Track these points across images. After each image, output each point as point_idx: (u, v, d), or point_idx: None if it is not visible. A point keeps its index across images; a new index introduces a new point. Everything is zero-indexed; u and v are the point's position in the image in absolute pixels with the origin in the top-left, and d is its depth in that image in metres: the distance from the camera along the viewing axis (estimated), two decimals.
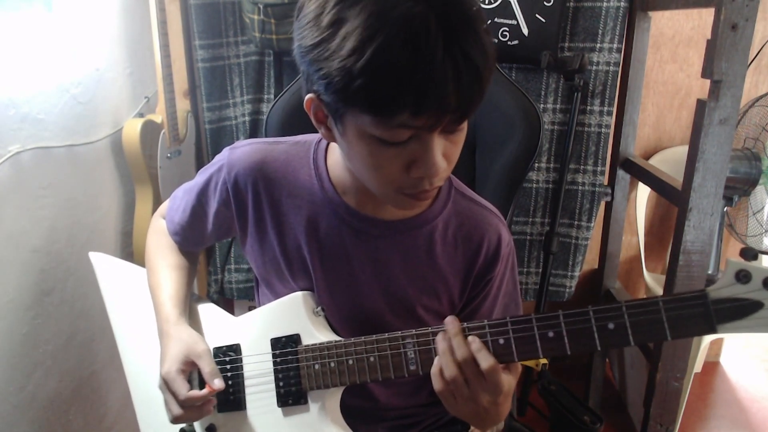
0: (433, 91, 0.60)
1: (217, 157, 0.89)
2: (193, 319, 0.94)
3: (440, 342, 0.72)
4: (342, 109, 0.66)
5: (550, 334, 0.69)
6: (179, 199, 0.95)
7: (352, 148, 0.70)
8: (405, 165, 0.68)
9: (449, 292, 0.87)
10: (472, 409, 0.71)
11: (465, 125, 0.69)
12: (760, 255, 0.63)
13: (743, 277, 0.62)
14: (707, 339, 1.80)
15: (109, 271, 1.05)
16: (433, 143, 0.66)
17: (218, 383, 0.82)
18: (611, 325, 0.66)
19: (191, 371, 0.85)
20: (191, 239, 0.96)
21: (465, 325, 0.72)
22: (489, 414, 0.72)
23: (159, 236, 0.99)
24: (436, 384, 0.72)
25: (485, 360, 0.69)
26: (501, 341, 0.71)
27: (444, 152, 0.68)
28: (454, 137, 0.69)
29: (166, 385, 0.83)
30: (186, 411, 0.82)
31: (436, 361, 0.73)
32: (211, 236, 0.94)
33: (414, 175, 0.68)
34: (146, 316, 0.94)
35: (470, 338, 0.71)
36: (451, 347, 0.71)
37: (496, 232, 0.86)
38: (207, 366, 0.83)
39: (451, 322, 0.72)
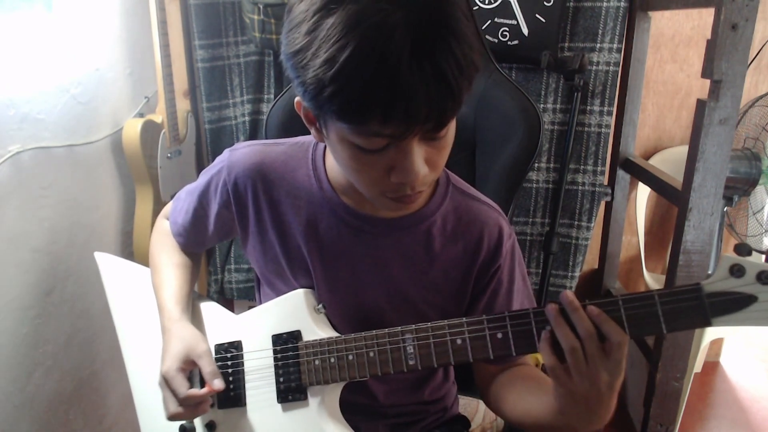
0: (400, 101, 0.60)
1: (218, 159, 0.90)
2: (195, 317, 0.95)
3: (552, 315, 0.67)
4: (320, 115, 0.67)
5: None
6: (182, 201, 0.96)
7: (336, 151, 0.71)
8: (385, 171, 0.68)
9: (451, 287, 0.87)
10: (586, 390, 0.66)
11: (448, 131, 0.69)
12: (757, 253, 0.63)
13: (737, 271, 0.63)
14: (707, 339, 1.80)
15: (114, 271, 1.05)
16: (410, 151, 0.66)
17: (218, 383, 0.83)
18: None
19: (192, 370, 0.86)
20: (194, 240, 0.97)
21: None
22: (602, 401, 0.67)
23: (163, 236, 1.00)
24: (548, 359, 0.67)
25: (614, 332, 0.65)
26: (499, 335, 0.71)
27: (427, 158, 0.68)
28: (438, 143, 0.69)
29: (165, 382, 0.83)
30: (184, 409, 0.82)
31: (544, 334, 0.68)
32: (212, 237, 0.95)
33: (394, 181, 0.68)
34: (150, 316, 0.94)
35: (590, 309, 0.66)
36: (568, 321, 0.67)
37: (496, 225, 0.86)
38: (207, 366, 0.84)
39: (566, 296, 0.67)
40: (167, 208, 1.02)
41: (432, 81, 0.60)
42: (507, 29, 1.58)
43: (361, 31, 0.58)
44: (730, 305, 0.63)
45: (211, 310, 0.96)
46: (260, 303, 0.95)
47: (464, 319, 0.73)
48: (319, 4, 0.61)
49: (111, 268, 1.06)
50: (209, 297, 1.80)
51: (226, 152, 0.89)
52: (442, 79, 0.60)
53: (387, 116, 0.61)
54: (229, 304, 1.94)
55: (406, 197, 0.72)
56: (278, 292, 0.89)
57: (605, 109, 1.65)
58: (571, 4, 1.59)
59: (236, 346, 0.89)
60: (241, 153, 0.87)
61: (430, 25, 0.59)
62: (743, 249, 0.64)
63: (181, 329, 0.87)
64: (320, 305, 0.86)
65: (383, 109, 0.60)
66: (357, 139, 0.65)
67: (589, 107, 1.66)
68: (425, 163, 0.68)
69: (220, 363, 0.89)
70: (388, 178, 0.68)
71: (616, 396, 0.68)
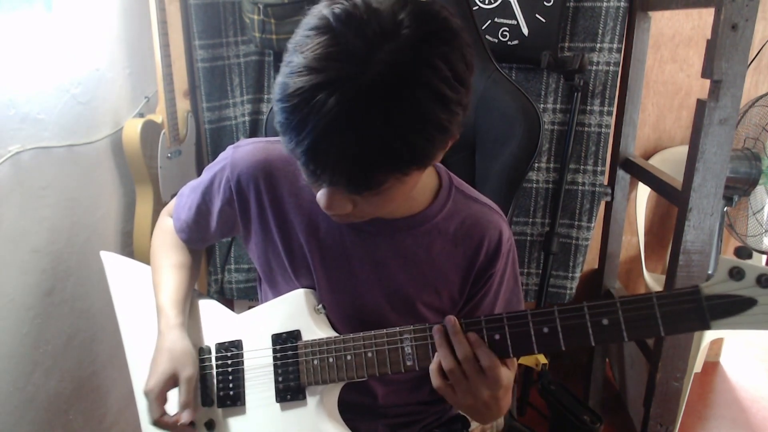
0: (309, 157, 0.61)
1: (221, 156, 0.90)
2: (196, 316, 0.95)
3: (437, 336, 0.73)
4: None
5: (545, 329, 0.70)
6: (185, 197, 0.96)
7: None
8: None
9: (449, 289, 0.87)
10: (472, 403, 0.73)
11: (388, 191, 0.67)
12: (757, 253, 0.63)
13: (736, 273, 0.62)
14: (707, 339, 1.80)
15: (119, 270, 1.06)
16: (326, 192, 0.67)
17: (185, 416, 0.84)
18: (605, 321, 0.67)
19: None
20: (196, 237, 0.97)
21: (463, 321, 0.73)
22: (490, 408, 0.74)
23: (164, 234, 1.00)
24: (435, 380, 0.73)
25: (485, 356, 0.71)
26: (497, 337, 0.72)
27: (354, 203, 0.69)
28: (366, 196, 0.67)
29: (146, 396, 0.85)
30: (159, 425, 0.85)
31: (435, 357, 0.74)
32: (215, 234, 0.95)
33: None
34: (154, 316, 0.95)
35: (469, 335, 0.72)
36: (450, 343, 0.72)
37: (497, 229, 0.86)
38: (183, 395, 0.85)
39: (449, 320, 0.73)
40: (170, 205, 1.02)
41: (338, 159, 0.60)
42: (507, 29, 1.58)
43: (307, 83, 0.58)
44: (729, 308, 0.63)
45: (212, 308, 0.96)
46: (262, 301, 0.96)
47: (463, 321, 0.74)
48: (299, 36, 0.62)
49: (116, 267, 1.06)
50: (209, 297, 1.79)
51: (230, 149, 0.89)
52: (349, 161, 0.60)
53: (303, 164, 0.63)
54: (229, 304, 1.93)
55: (333, 215, 0.72)
56: (279, 291, 0.89)
57: (605, 109, 1.65)
58: (571, 4, 1.59)
59: (236, 345, 0.89)
60: (244, 150, 0.87)
61: (366, 107, 0.58)
62: (743, 252, 0.64)
63: (175, 341, 0.87)
64: (320, 305, 0.86)
65: (300, 158, 0.62)
66: None
67: (589, 107, 1.66)
68: (353, 203, 0.69)
69: (220, 362, 0.90)
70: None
71: (506, 400, 0.75)
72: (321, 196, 0.68)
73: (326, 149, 0.60)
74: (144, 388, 0.85)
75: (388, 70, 0.58)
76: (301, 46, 0.60)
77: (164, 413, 0.84)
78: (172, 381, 0.85)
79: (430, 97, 0.60)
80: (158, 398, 0.84)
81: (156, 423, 0.84)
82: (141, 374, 1.00)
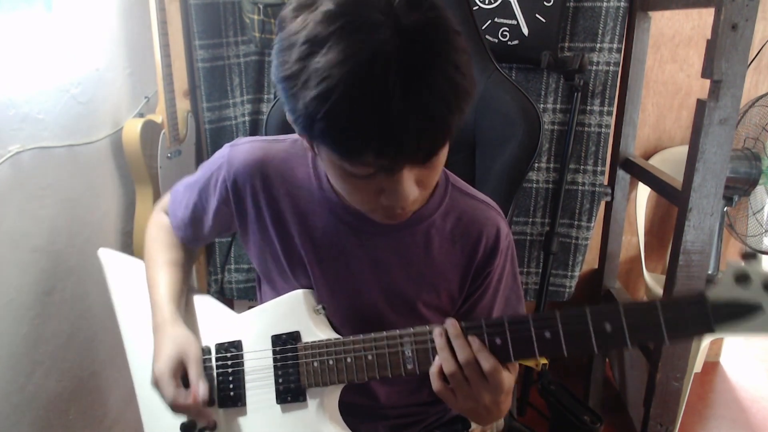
0: (391, 141, 0.60)
1: (217, 154, 0.89)
2: (195, 315, 0.95)
3: (438, 339, 0.73)
4: (311, 140, 0.68)
5: (547, 335, 0.69)
6: (181, 195, 0.95)
7: (327, 169, 0.73)
8: (375, 193, 0.69)
9: (448, 287, 0.87)
10: (473, 406, 0.73)
11: (441, 154, 0.68)
12: (760, 256, 0.63)
13: (743, 279, 0.61)
14: (707, 339, 1.80)
15: (117, 267, 1.05)
16: (401, 177, 0.66)
17: (201, 389, 0.83)
18: (608, 328, 0.66)
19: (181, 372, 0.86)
20: (193, 235, 0.97)
21: (464, 325, 0.73)
22: (491, 411, 0.74)
23: (159, 231, 0.99)
24: (435, 384, 0.73)
25: (487, 361, 0.70)
26: (498, 341, 0.71)
27: (418, 179, 0.69)
28: (429, 164, 0.68)
29: (157, 384, 0.84)
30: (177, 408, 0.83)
31: (435, 360, 0.73)
32: (211, 233, 0.95)
33: (384, 203, 0.69)
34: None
35: (470, 339, 0.72)
36: (451, 347, 0.72)
37: (495, 226, 0.86)
38: (193, 371, 0.84)
39: (451, 323, 0.73)
40: (165, 202, 1.01)
41: (423, 120, 0.60)
42: (507, 29, 1.58)
43: (353, 69, 0.57)
44: (735, 315, 0.62)
45: (212, 307, 0.96)
46: (261, 301, 0.95)
47: (464, 325, 0.73)
48: (311, 30, 0.60)
49: (115, 264, 1.06)
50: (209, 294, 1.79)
51: (226, 147, 0.88)
52: (433, 118, 0.60)
53: (379, 153, 0.61)
54: (229, 304, 1.94)
55: (396, 216, 0.73)
56: (279, 291, 0.89)
57: (605, 109, 1.65)
58: (571, 4, 1.59)
59: (236, 345, 0.89)
60: (241, 149, 0.87)
61: (422, 60, 0.59)
62: (749, 256, 0.62)
63: (174, 329, 0.87)
64: (320, 306, 0.86)
65: (374, 149, 0.61)
66: (347, 166, 0.65)
67: (589, 107, 1.66)
68: (416, 184, 0.69)
69: (220, 362, 0.89)
70: (378, 199, 0.69)
71: (506, 403, 0.75)
72: (393, 191, 0.67)
73: (412, 118, 0.59)
74: (153, 376, 0.84)
75: (414, 26, 0.59)
76: (314, 69, 0.59)
77: (179, 394, 0.83)
78: (180, 364, 0.84)
79: (454, 31, 0.62)
80: (170, 381, 0.83)
81: (173, 405, 0.82)
82: (141, 373, 1.00)
